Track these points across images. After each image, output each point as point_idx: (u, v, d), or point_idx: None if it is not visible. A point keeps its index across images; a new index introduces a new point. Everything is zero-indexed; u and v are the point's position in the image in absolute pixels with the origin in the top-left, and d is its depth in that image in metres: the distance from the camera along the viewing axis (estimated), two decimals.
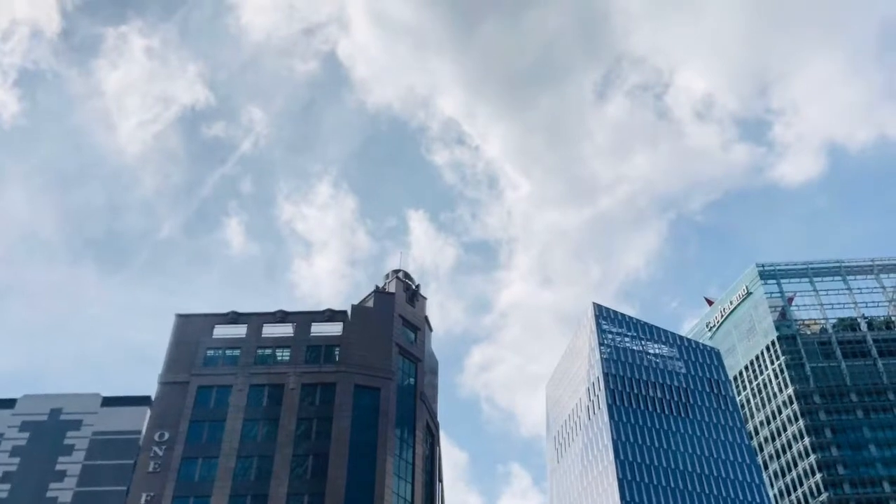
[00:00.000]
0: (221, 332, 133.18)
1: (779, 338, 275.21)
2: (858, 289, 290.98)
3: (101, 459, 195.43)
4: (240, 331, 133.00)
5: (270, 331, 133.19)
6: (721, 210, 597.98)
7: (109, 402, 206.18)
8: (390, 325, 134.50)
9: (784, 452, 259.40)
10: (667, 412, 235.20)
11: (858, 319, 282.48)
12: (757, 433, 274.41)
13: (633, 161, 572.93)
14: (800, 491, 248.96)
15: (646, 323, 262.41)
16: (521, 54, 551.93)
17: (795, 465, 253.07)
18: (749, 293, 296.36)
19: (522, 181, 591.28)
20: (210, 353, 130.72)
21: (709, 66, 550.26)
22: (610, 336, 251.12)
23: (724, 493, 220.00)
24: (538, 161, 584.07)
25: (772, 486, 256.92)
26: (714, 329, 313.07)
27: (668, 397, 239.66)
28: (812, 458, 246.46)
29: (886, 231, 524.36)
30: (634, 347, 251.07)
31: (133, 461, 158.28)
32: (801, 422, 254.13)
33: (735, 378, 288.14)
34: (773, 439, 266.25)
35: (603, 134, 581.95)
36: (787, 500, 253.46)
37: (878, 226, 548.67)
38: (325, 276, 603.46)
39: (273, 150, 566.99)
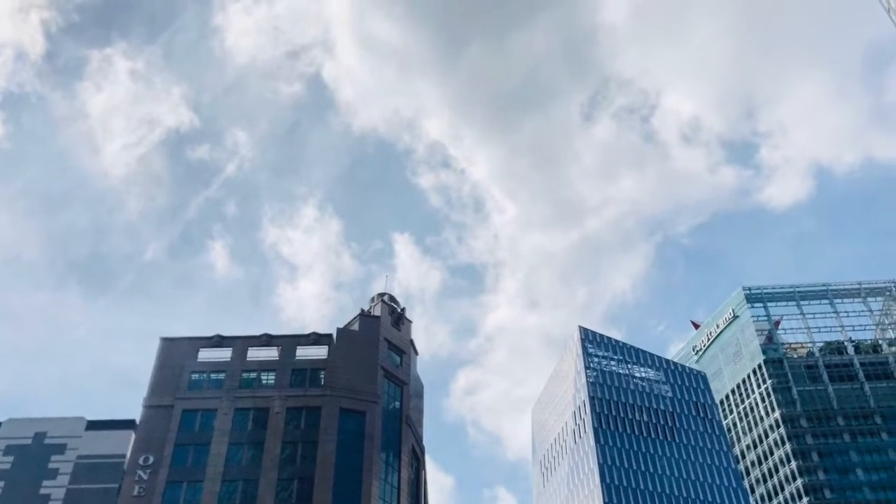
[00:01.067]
0: (206, 355, 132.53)
1: (765, 361, 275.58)
2: (845, 312, 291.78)
3: (86, 483, 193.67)
4: (224, 354, 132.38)
5: (255, 354, 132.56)
6: (708, 233, 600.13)
7: (94, 425, 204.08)
8: (376, 348, 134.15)
9: (771, 476, 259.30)
10: (653, 436, 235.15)
11: (845, 343, 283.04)
12: (743, 457, 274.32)
13: (619, 183, 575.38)
14: None
15: (632, 346, 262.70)
16: (508, 76, 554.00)
17: (782, 488, 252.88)
18: (735, 316, 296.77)
19: (508, 204, 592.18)
20: (195, 376, 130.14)
21: (695, 88, 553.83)
22: (596, 360, 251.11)
23: None
24: (524, 184, 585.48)
25: None
26: (700, 352, 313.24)
27: (654, 421, 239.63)
28: (799, 481, 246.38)
29: (873, 254, 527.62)
30: (621, 371, 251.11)
31: (118, 485, 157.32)
32: (787, 445, 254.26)
33: (721, 402, 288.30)
34: (760, 463, 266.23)
35: (589, 156, 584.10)
36: None
37: (865, 249, 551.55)
38: (310, 299, 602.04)
39: (258, 172, 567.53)
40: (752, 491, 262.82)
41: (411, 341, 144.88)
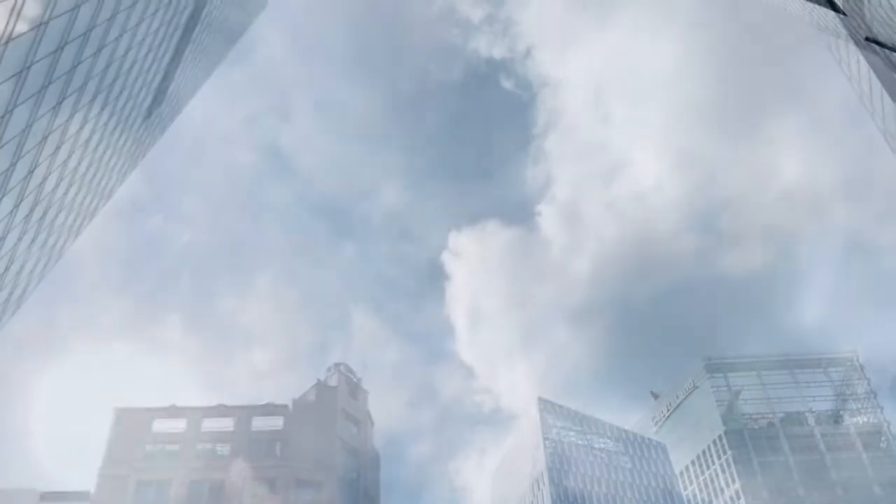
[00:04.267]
0: (161, 426, 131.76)
1: (726, 432, 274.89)
2: (806, 382, 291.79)
3: None
4: (180, 425, 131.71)
5: (211, 425, 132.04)
6: (668, 301, 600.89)
7: (48, 497, 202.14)
8: (333, 419, 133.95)
9: None
10: None
11: (806, 413, 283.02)
12: None
13: None
14: None
15: (591, 417, 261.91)
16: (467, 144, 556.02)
17: None
18: (696, 386, 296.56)
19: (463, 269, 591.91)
20: (150, 447, 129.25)
21: (657, 154, 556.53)
22: (555, 430, 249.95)
23: None
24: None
25: None
26: (660, 423, 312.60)
27: (613, 492, 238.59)
28: None
29: (834, 324, 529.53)
30: (579, 442, 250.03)
31: None
32: None
33: (682, 472, 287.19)
34: None
35: None
36: None
37: (826, 318, 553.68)
38: (266, 369, 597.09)
39: (213, 242, 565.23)
40: None
41: (368, 412, 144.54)
